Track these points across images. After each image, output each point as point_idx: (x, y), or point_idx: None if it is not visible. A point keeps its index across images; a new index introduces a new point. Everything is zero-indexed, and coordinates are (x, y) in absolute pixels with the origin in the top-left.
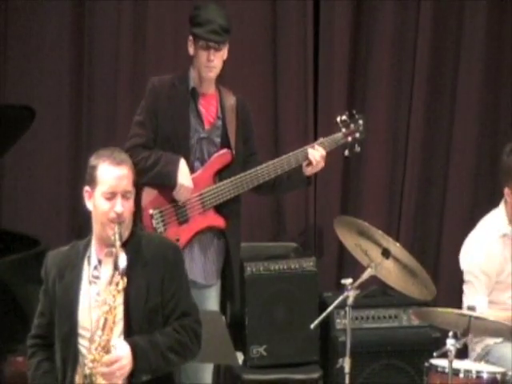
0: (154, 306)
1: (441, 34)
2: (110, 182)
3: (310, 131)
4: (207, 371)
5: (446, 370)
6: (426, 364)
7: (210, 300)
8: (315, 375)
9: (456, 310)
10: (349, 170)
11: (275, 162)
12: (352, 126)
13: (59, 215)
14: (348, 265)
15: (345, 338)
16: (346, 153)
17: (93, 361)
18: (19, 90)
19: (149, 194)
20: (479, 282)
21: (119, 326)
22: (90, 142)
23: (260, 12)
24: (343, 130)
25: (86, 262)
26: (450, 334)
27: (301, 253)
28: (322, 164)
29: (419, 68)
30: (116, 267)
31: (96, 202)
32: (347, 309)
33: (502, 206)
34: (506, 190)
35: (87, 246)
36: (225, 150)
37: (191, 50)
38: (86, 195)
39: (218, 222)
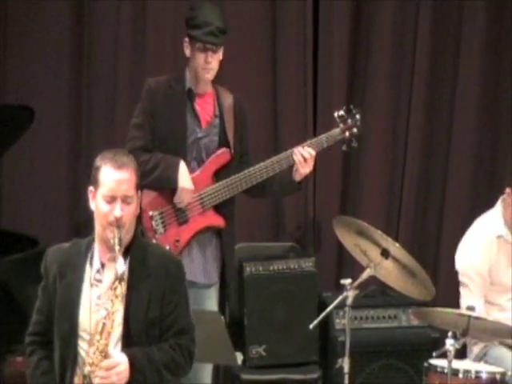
0: (153, 318)
1: (440, 33)
2: (109, 185)
3: (309, 130)
4: (206, 371)
5: (446, 370)
6: (425, 364)
7: (210, 300)
8: (314, 375)
9: (455, 310)
10: (348, 170)
11: (267, 163)
12: (349, 120)
13: (59, 215)
14: (347, 265)
15: (344, 338)
16: (344, 148)
17: (91, 364)
18: (19, 90)
19: (148, 196)
20: (474, 284)
21: (117, 332)
22: (90, 142)
23: (259, 11)
24: (341, 125)
25: (88, 263)
26: (450, 334)
27: (300, 253)
28: (310, 165)
29: (418, 67)
30: (115, 272)
31: (97, 203)
32: (346, 309)
33: (497, 207)
34: (508, 190)
35: (89, 245)
36: (223, 149)
37: (187, 52)
38: (90, 195)
39: (218, 221)
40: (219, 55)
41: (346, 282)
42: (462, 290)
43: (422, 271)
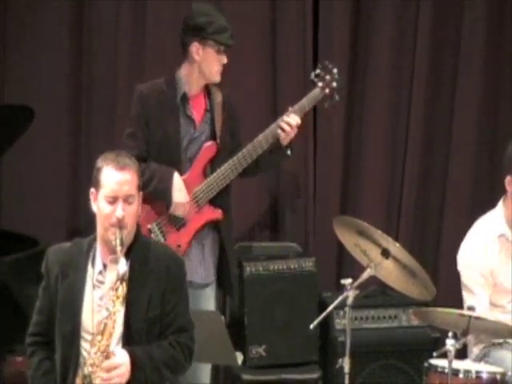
0: (153, 316)
1: (440, 33)
2: (111, 186)
3: (309, 129)
4: (205, 371)
5: (446, 370)
6: (426, 364)
7: (208, 299)
8: (315, 375)
9: (456, 310)
10: (348, 170)
11: (254, 142)
12: (327, 77)
13: (59, 215)
14: (347, 265)
15: (344, 338)
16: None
17: (92, 365)
18: (19, 90)
19: (143, 210)
20: (477, 284)
21: (118, 332)
22: (90, 142)
23: (259, 11)
24: (320, 84)
25: (90, 264)
26: (450, 334)
27: (300, 253)
28: (295, 131)
29: (419, 68)
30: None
31: (99, 204)
32: (347, 309)
33: (499, 208)
34: (509, 178)
35: (91, 245)
36: (209, 143)
37: (197, 57)
38: (91, 197)
39: (216, 214)
40: None
41: (347, 281)
42: (464, 292)
43: (422, 271)
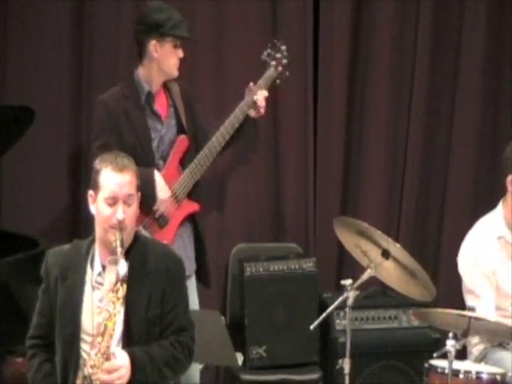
0: (153, 316)
1: (441, 33)
2: (111, 187)
3: (309, 129)
4: (194, 369)
5: (446, 371)
6: (426, 365)
7: (192, 293)
8: (315, 376)
9: (456, 311)
10: (348, 171)
11: (225, 125)
12: (278, 55)
13: (59, 216)
14: (348, 265)
15: (344, 338)
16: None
17: (92, 366)
18: (19, 90)
19: None
20: (480, 286)
21: (118, 334)
22: (90, 142)
23: (259, 11)
24: (272, 63)
25: (89, 266)
26: (450, 334)
27: (300, 253)
28: (264, 104)
29: (419, 68)
30: (116, 274)
31: (98, 206)
32: (347, 309)
33: (499, 209)
34: (510, 178)
35: (90, 247)
36: (180, 137)
37: (156, 55)
38: (90, 199)
39: (193, 207)
40: None
41: (347, 282)
42: (467, 295)
43: (422, 272)
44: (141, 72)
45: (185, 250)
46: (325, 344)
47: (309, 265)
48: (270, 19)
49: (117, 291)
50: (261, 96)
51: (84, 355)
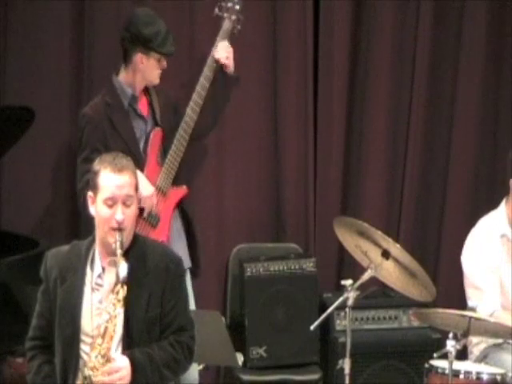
0: (153, 316)
1: (441, 33)
2: (110, 189)
3: (309, 130)
4: (194, 370)
5: (446, 371)
6: (426, 365)
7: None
8: (315, 376)
9: (456, 311)
10: (348, 171)
11: (193, 97)
12: (229, 4)
13: (59, 216)
14: (348, 266)
15: (345, 339)
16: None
17: (92, 368)
18: (19, 90)
19: None
20: (486, 284)
21: (119, 335)
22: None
23: (260, 11)
24: (225, 14)
25: (88, 267)
26: (450, 335)
27: (301, 254)
28: (231, 56)
29: (419, 68)
30: (117, 276)
31: (98, 208)
32: (347, 310)
33: (501, 208)
34: None
35: (89, 248)
36: (154, 131)
37: (141, 66)
38: (89, 200)
39: (180, 193)
40: None
41: (347, 282)
42: (471, 290)
43: (422, 272)
44: (123, 76)
45: (175, 241)
46: (325, 344)
47: (309, 265)
48: (270, 19)
49: (117, 293)
50: (222, 52)
51: (84, 356)
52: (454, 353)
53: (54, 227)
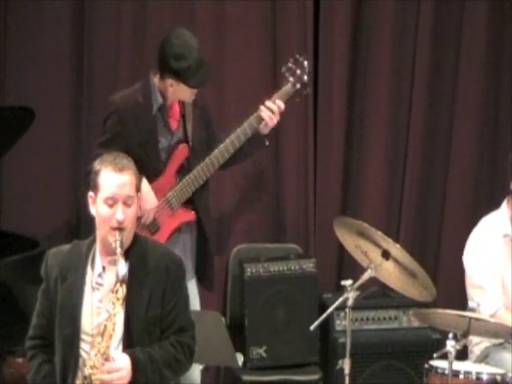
0: (153, 317)
1: (441, 33)
2: (111, 188)
3: (309, 131)
4: (196, 370)
5: (446, 372)
6: (426, 365)
7: (192, 296)
8: (315, 376)
9: (456, 312)
10: (348, 171)
11: (231, 137)
12: (298, 71)
13: (59, 216)
14: (348, 266)
15: (345, 339)
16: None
17: (92, 367)
18: (19, 91)
19: None
20: (489, 282)
21: (119, 334)
22: (90, 142)
23: (260, 11)
24: (291, 79)
25: (89, 267)
26: (450, 335)
27: (301, 254)
28: (277, 118)
29: (419, 68)
30: (116, 275)
31: (98, 208)
32: (347, 310)
33: (503, 208)
34: None
35: (90, 247)
36: (180, 146)
37: (171, 89)
38: (90, 200)
39: (189, 216)
40: None
41: (347, 283)
42: (473, 290)
43: (422, 272)
44: (157, 81)
45: (184, 255)
46: (325, 344)
47: (309, 265)
48: (270, 19)
49: (116, 292)
50: (275, 107)
51: (84, 355)
52: (453, 353)
53: (53, 227)
